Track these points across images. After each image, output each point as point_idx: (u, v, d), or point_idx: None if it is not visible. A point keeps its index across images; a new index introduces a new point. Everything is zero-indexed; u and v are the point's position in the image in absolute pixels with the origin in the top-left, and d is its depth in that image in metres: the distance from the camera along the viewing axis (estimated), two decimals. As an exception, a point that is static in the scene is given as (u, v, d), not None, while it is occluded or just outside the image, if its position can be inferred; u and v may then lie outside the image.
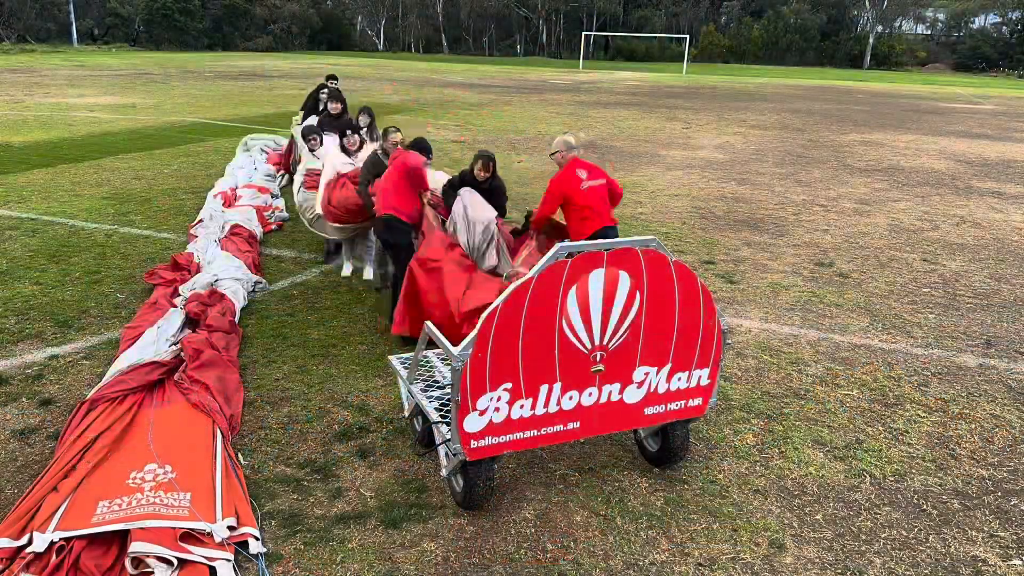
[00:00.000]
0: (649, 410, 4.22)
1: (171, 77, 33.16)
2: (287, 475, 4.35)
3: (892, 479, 4.53)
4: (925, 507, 4.28)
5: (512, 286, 3.69)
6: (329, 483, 4.29)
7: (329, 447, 4.65)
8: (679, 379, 4.23)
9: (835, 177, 14.41)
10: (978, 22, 77.65)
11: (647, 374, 4.13)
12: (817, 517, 4.15)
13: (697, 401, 4.33)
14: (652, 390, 4.18)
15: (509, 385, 3.82)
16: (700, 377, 4.27)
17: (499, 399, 3.82)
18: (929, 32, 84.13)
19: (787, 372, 5.93)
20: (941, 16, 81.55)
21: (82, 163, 13.10)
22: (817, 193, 12.82)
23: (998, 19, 74.40)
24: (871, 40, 72.88)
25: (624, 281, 3.89)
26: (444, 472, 4.12)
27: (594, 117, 23.21)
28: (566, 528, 3.99)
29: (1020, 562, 3.85)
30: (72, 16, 60.81)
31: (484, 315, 3.67)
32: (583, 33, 68.32)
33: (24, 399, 5.09)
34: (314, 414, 5.03)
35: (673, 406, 4.28)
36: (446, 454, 4.06)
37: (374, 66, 47.90)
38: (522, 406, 3.89)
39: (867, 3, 73.66)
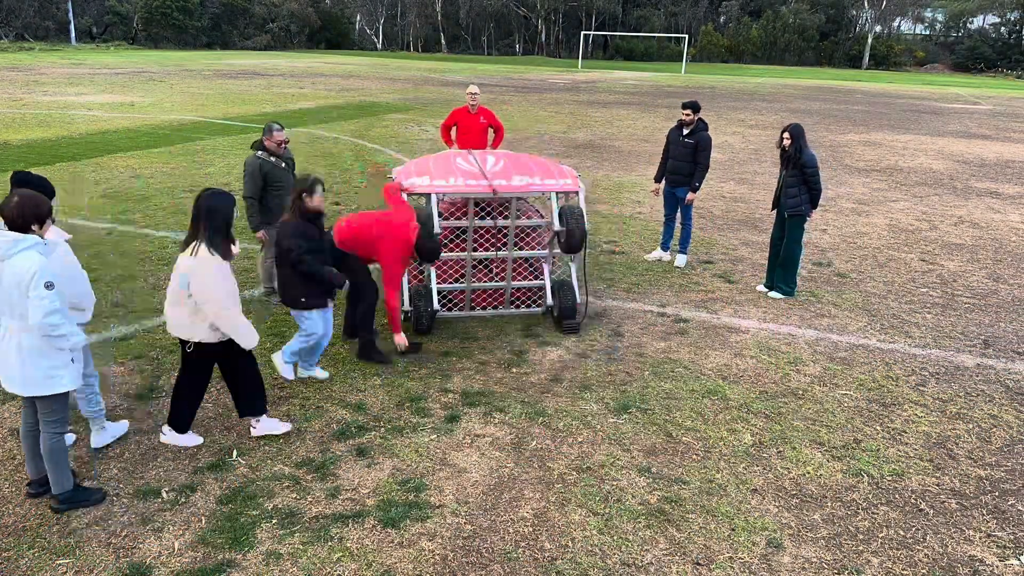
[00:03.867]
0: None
1: (169, 75, 33.12)
2: (285, 474, 4.35)
3: (890, 479, 4.54)
4: (923, 507, 4.29)
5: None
6: (327, 482, 4.29)
7: (327, 446, 4.65)
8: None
9: (833, 177, 14.41)
10: (976, 22, 77.73)
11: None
12: (815, 517, 4.16)
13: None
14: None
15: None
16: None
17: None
18: (928, 32, 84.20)
19: (785, 372, 5.93)
20: (940, 16, 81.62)
21: (80, 161, 13.08)
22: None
23: (996, 19, 74.47)
24: (870, 40, 72.89)
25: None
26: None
27: (593, 116, 23.20)
28: (564, 527, 3.99)
29: (1017, 562, 3.86)
30: (71, 14, 60.70)
31: None
32: (582, 32, 68.29)
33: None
34: (312, 413, 5.03)
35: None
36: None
37: (372, 65, 47.88)
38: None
39: (866, 3, 73.68)
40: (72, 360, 3.86)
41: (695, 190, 8.13)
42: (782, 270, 7.55)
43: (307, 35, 71.27)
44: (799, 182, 7.21)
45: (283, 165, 6.62)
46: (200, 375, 4.52)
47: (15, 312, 3.69)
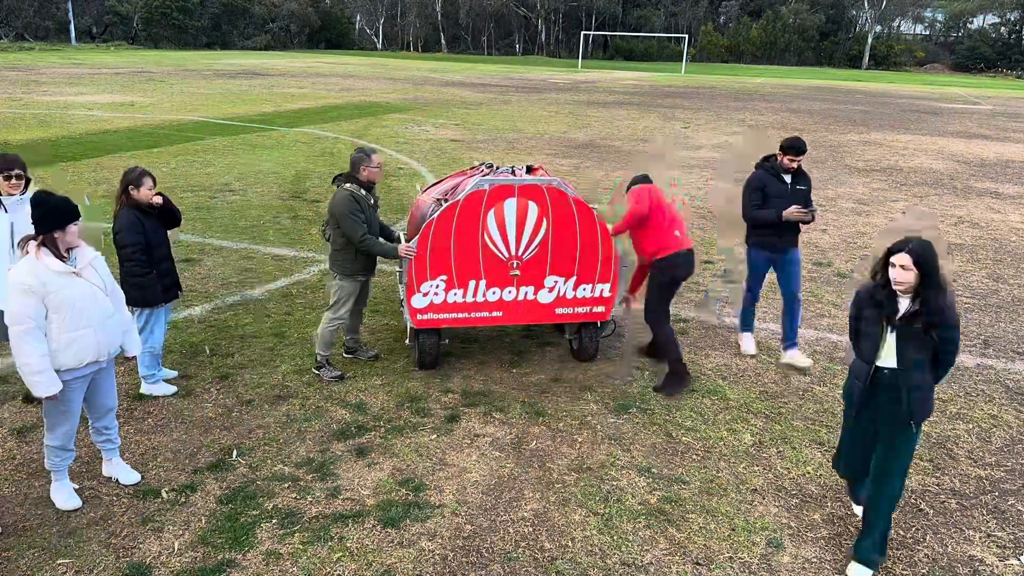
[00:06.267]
0: (559, 310, 5.59)
1: (169, 75, 33.12)
2: (285, 474, 4.35)
3: (890, 479, 4.53)
4: (923, 507, 4.29)
5: (443, 207, 5.17)
6: (327, 482, 4.29)
7: (327, 446, 4.65)
8: (584, 289, 5.56)
9: (833, 177, 14.41)
10: (976, 22, 77.78)
11: (556, 282, 5.51)
12: (815, 517, 4.16)
13: (600, 308, 5.66)
14: (561, 295, 5.55)
15: (445, 277, 5.31)
16: (602, 290, 5.59)
17: (437, 286, 5.32)
18: (928, 32, 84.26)
19: (785, 372, 5.93)
20: (940, 16, 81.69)
21: (80, 161, 13.08)
22: (815, 193, 12.82)
23: (996, 20, 74.52)
24: (870, 40, 72.93)
25: (532, 209, 5.29)
26: (407, 341, 5.69)
27: (593, 116, 23.21)
28: (564, 527, 3.99)
29: (1017, 562, 3.86)
30: (71, 14, 60.72)
31: (423, 226, 5.17)
32: (582, 32, 68.34)
33: (22, 397, 5.08)
34: (312, 413, 5.03)
35: (580, 310, 5.62)
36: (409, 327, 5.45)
37: (372, 64, 47.85)
38: (455, 294, 5.36)
39: (866, 3, 73.73)
40: None
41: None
42: None
43: (307, 35, 71.32)
44: None
45: (372, 202, 5.36)
46: None
47: None
